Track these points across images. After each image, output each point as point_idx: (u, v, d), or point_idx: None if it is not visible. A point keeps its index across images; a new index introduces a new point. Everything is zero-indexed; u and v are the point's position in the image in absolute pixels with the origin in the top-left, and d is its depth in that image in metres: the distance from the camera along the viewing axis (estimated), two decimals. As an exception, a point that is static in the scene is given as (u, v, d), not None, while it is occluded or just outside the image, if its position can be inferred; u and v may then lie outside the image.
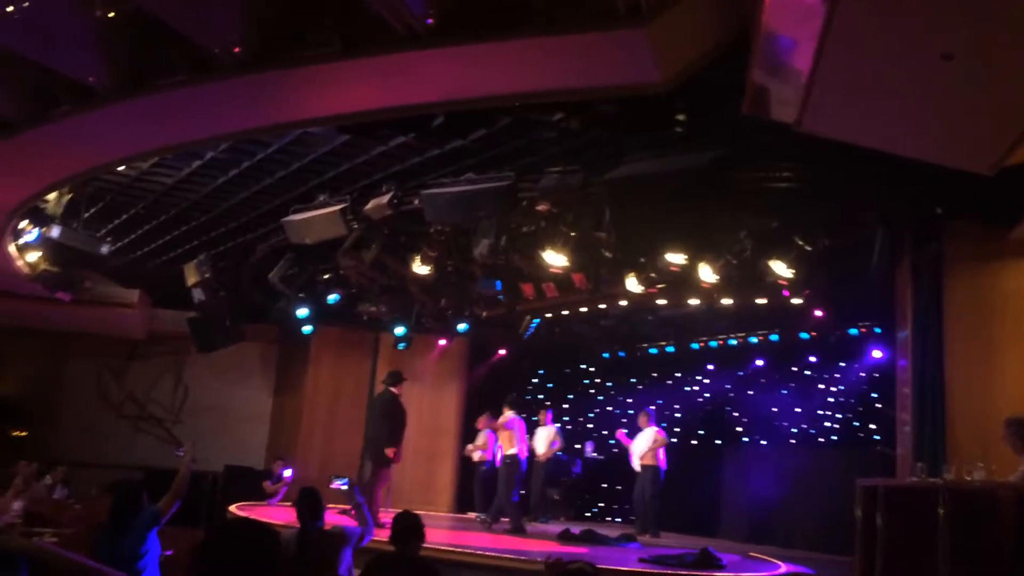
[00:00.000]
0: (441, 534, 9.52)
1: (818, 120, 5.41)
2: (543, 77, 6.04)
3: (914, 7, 4.06)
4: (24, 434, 14.94)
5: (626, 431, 12.34)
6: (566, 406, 15.63)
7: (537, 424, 13.05)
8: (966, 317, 7.56)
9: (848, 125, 5.57)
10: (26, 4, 5.57)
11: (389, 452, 9.87)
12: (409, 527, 5.01)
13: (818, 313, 11.47)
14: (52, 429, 14.92)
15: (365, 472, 10.10)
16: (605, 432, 14.83)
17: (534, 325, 14.42)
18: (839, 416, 12.28)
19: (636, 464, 11.69)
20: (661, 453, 11.56)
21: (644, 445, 11.61)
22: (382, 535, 5.87)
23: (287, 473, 13.00)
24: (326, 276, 11.98)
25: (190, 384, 15.46)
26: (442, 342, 14.72)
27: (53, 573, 4.82)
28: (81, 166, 8.23)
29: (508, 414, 11.28)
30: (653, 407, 12.41)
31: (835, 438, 12.24)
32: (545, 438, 12.76)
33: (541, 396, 15.88)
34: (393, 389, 10.27)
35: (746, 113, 5.90)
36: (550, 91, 6.29)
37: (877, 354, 11.53)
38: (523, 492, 13.03)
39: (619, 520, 14.17)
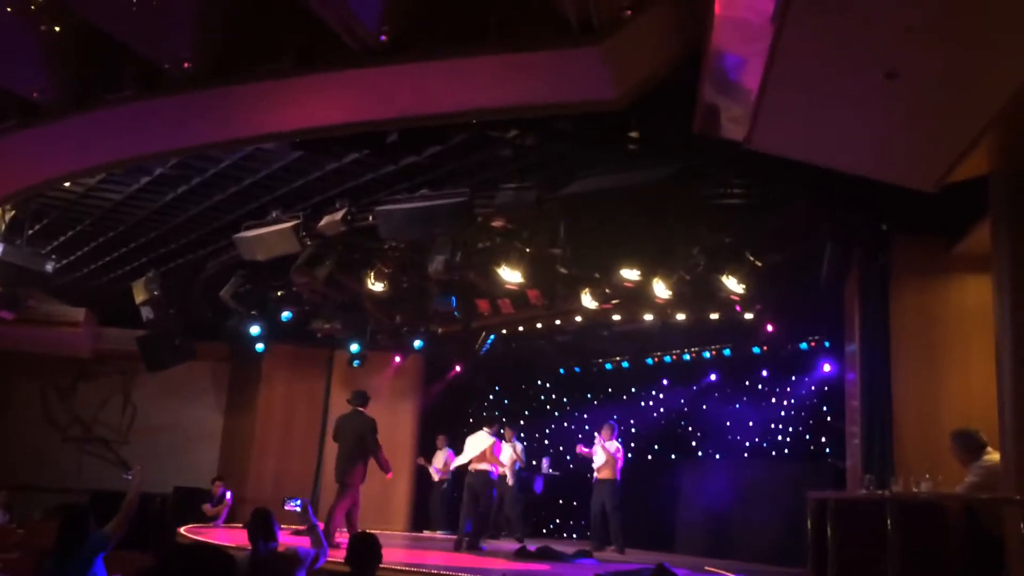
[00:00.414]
0: (398, 552, 9.43)
1: (766, 138, 5.50)
2: (498, 94, 6.07)
3: (859, 27, 4.15)
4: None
5: (584, 446, 12.33)
6: (522, 422, 15.61)
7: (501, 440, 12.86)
8: (912, 330, 7.71)
9: (795, 143, 5.67)
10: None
11: (388, 477, 10.20)
12: (367, 549, 4.94)
13: (769, 328, 11.66)
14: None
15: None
16: (561, 448, 14.84)
17: (490, 341, 14.41)
18: (791, 429, 12.44)
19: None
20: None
21: (603, 458, 11.64)
22: (337, 556, 5.79)
23: (228, 495, 12.79)
24: (279, 293, 11.84)
25: (139, 404, 15.11)
26: (397, 359, 14.63)
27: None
28: (26, 182, 8.03)
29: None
30: (615, 419, 12.40)
31: (787, 451, 12.39)
32: (509, 455, 12.63)
33: (497, 412, 15.83)
34: (362, 409, 10.14)
35: (697, 131, 5.99)
36: (505, 108, 6.31)
37: (827, 368, 11.72)
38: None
39: (575, 536, 14.17)
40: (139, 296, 11.56)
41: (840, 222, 8.24)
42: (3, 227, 9.65)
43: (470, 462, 10.69)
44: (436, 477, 13.76)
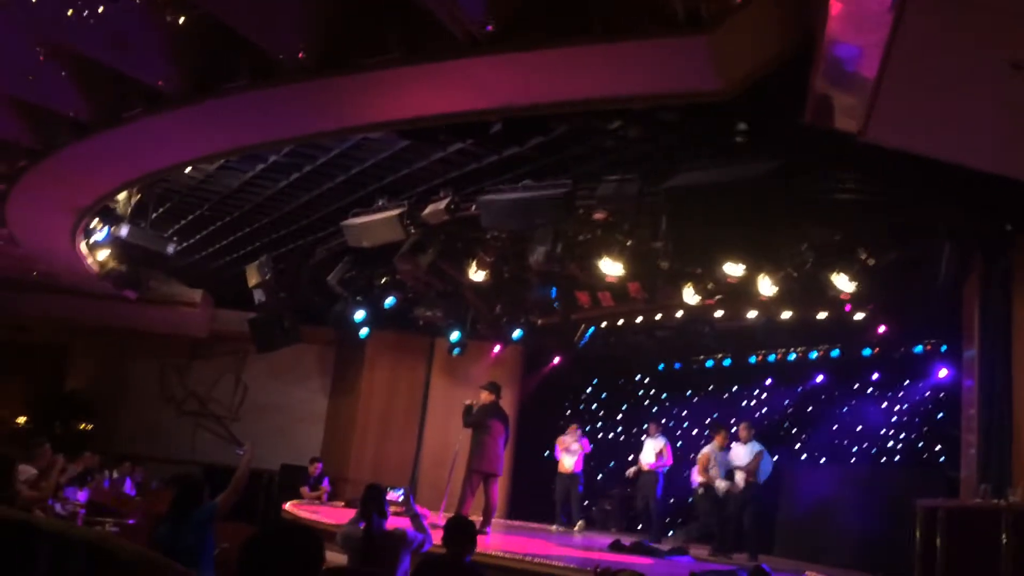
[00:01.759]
0: (494, 539, 9.54)
1: (883, 130, 5.29)
2: (602, 84, 6.03)
3: (982, 16, 3.95)
4: (90, 428, 15.39)
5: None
6: (619, 416, 15.51)
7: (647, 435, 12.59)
8: (1036, 336, 7.29)
9: (913, 135, 5.43)
10: (101, 10, 5.75)
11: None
12: (463, 531, 5.05)
13: (881, 329, 11.20)
14: (116, 424, 15.35)
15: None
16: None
17: (589, 334, 14.34)
18: (902, 435, 11.94)
19: (740, 481, 10.59)
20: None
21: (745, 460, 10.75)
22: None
23: (326, 481, 13.16)
24: (383, 280, 12.10)
25: (249, 383, 15.75)
26: (496, 348, 14.73)
27: (113, 561, 4.95)
28: (150, 167, 8.48)
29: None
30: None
31: (897, 458, 11.90)
32: (653, 449, 12.09)
33: (595, 407, 15.77)
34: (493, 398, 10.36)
35: (808, 123, 5.80)
36: (609, 98, 6.27)
37: (943, 373, 11.21)
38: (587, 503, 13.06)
39: (670, 533, 13.99)
40: (252, 279, 12.01)
41: (959, 220, 7.86)
42: (129, 210, 10.18)
43: None
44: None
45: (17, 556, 2.70)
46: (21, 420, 15.55)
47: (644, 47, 5.39)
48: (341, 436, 15.11)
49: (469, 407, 10.45)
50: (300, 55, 6.05)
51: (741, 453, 10.68)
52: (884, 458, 12.06)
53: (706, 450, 11.02)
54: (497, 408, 10.43)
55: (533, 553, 8.38)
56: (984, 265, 8.09)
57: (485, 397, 10.42)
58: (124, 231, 9.99)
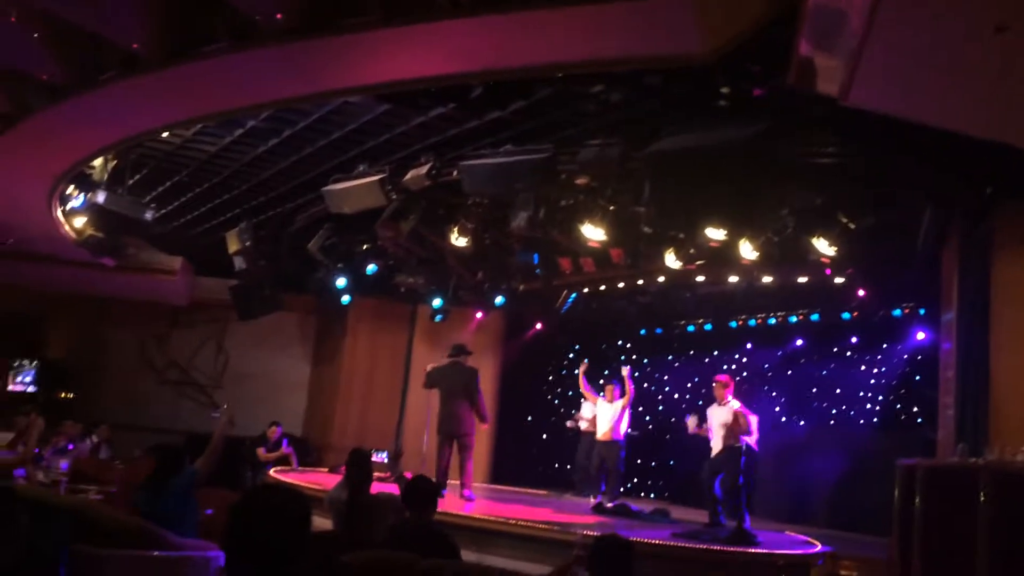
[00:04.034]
0: (477, 504, 9.62)
1: (865, 93, 5.27)
2: (584, 47, 5.97)
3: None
4: (71, 396, 15.31)
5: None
6: (601, 382, 15.56)
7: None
8: (1014, 300, 7.36)
9: (896, 99, 5.41)
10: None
11: (484, 427, 10.04)
12: (420, 492, 5.05)
13: (861, 293, 11.29)
14: (97, 393, 15.26)
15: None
16: (640, 408, 14.74)
17: (571, 300, 14.38)
18: (880, 398, 12.10)
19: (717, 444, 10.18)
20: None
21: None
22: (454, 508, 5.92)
23: (285, 443, 12.72)
24: (364, 247, 12.05)
25: (231, 352, 15.70)
26: (479, 315, 14.75)
27: (96, 528, 4.96)
28: (126, 132, 8.35)
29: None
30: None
31: (875, 420, 12.07)
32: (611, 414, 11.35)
33: (577, 372, 15.81)
34: (461, 361, 10.16)
35: (792, 86, 5.78)
36: (591, 61, 6.21)
37: (921, 336, 11.34)
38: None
39: (652, 496, 14.16)
40: (232, 246, 11.93)
41: (940, 185, 7.89)
42: (105, 176, 10.03)
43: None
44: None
45: (-2, 523, 2.68)
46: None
47: (626, 8, 5.34)
48: (324, 403, 15.13)
49: (429, 372, 10.37)
50: (278, 16, 5.95)
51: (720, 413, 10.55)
52: (862, 420, 12.22)
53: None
54: (459, 369, 10.19)
55: (518, 517, 8.45)
56: (964, 229, 8.13)
57: (449, 360, 10.34)
58: (101, 197, 9.86)
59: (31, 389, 14.95)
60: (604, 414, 11.02)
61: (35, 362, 15.21)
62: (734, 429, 9.05)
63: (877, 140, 7.29)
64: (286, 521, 2.27)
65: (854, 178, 8.28)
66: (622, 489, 11.92)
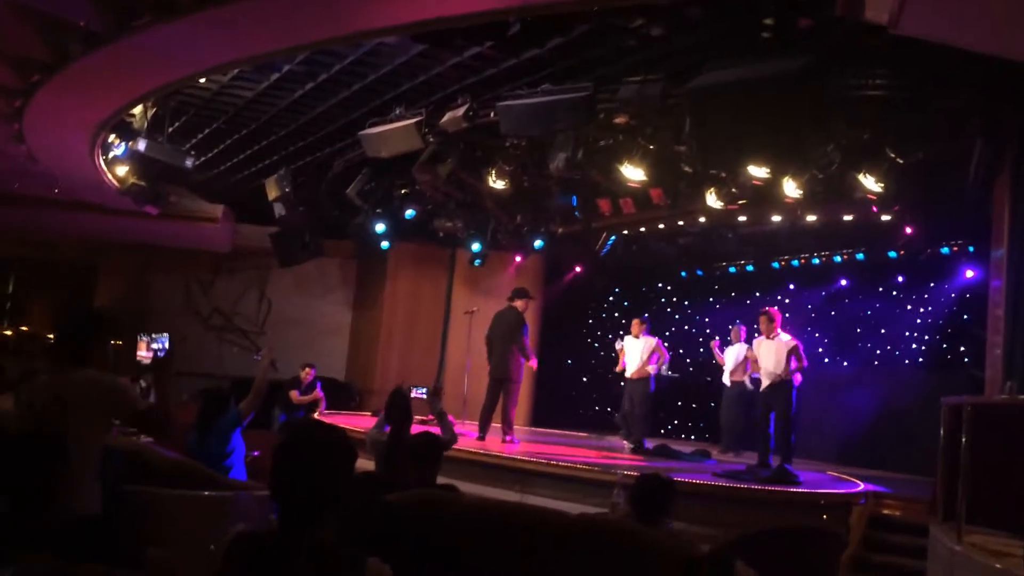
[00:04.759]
0: (519, 446, 9.71)
1: (915, 21, 5.06)
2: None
3: None
4: (120, 344, 15.62)
5: (720, 343, 11.97)
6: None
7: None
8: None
9: (947, 25, 5.20)
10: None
11: (533, 363, 10.15)
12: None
13: (908, 231, 11.03)
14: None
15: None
16: (681, 351, 14.71)
17: (611, 242, 14.27)
18: (927, 338, 11.90)
19: (727, 379, 11.54)
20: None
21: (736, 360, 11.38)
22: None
23: (319, 386, 12.54)
24: (403, 191, 12.04)
25: (273, 298, 15.90)
26: (518, 259, 14.71)
27: (149, 468, 5.09)
28: (164, 78, 8.36)
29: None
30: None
31: (921, 360, 11.89)
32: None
33: (617, 315, 15.79)
34: (518, 305, 10.08)
35: (839, 15, 5.58)
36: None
37: (969, 274, 11.09)
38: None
39: (693, 438, 14.19)
40: (271, 193, 11.99)
41: (993, 117, 7.60)
42: (145, 124, 10.09)
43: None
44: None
45: (57, 464, 2.74)
46: (52, 337, 15.79)
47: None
48: (366, 348, 15.30)
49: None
50: (310, -45, 5.86)
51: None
52: (907, 360, 12.06)
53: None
54: (507, 312, 10.14)
55: (559, 456, 8.52)
56: (1016, 162, 7.86)
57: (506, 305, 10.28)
58: (142, 145, 9.93)
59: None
60: (632, 350, 10.96)
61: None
62: (783, 362, 8.94)
63: (929, 70, 7.04)
64: (332, 459, 2.29)
65: (903, 111, 8.02)
66: (662, 431, 11.92)
